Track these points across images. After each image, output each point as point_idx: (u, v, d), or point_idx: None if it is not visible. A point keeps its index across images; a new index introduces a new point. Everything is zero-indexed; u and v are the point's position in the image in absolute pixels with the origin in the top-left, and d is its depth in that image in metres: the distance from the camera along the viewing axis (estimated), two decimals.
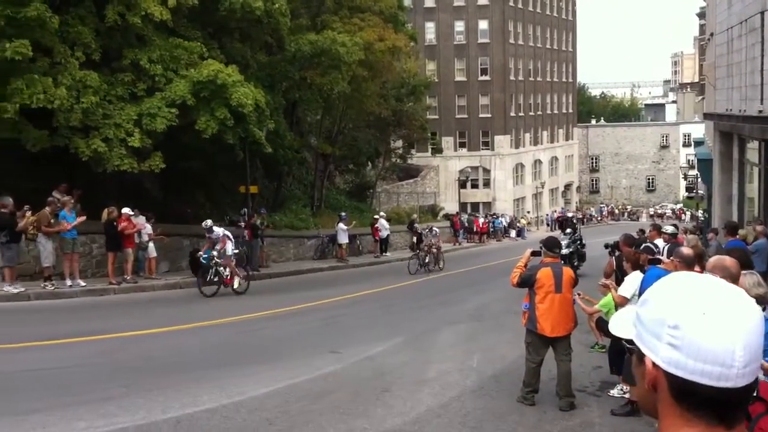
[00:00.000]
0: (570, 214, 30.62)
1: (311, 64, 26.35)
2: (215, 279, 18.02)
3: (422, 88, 44.99)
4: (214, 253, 17.84)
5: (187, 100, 18.85)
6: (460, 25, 63.59)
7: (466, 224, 45.89)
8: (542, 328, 8.38)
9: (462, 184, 57.46)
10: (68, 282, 16.62)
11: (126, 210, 18.13)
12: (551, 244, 8.88)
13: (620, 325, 1.51)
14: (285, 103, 28.29)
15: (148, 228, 19.38)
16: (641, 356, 1.38)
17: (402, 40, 33.20)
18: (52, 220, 16.54)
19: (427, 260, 26.03)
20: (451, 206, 54.17)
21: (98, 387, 8.75)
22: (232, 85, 19.21)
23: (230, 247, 18.26)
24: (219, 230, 18.30)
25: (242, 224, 23.61)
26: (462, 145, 63.53)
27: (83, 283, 16.96)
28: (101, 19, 18.53)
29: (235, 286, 18.26)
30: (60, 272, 16.79)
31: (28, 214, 16.00)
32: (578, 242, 23.21)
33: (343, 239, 28.84)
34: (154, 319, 14.36)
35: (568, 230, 24.20)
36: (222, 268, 17.98)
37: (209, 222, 18.25)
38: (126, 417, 7.45)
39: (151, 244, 19.50)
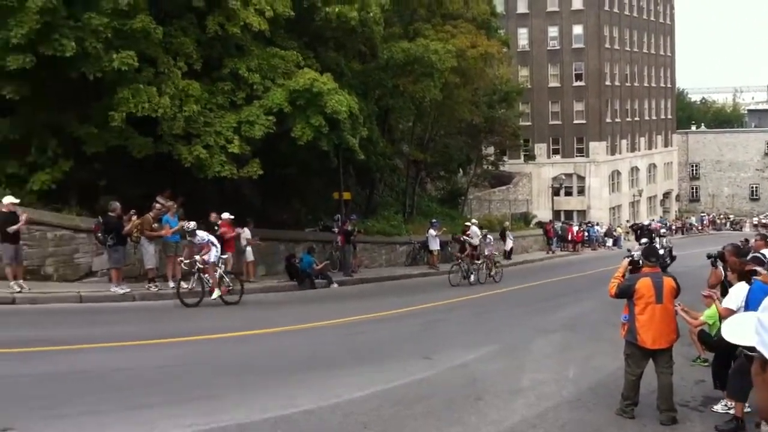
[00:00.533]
0: (647, 222, 29.27)
1: (404, 72, 26.49)
2: (196, 288, 16.14)
3: (515, 95, 44.52)
4: (197, 258, 16.08)
5: (283, 107, 19.27)
6: (553, 31, 62.64)
7: (560, 232, 45.05)
8: (643, 339, 8.13)
9: (555, 192, 56.45)
10: (170, 284, 17.26)
11: (225, 215, 18.71)
12: (649, 253, 8.63)
13: (737, 333, 1.46)
14: (378, 110, 28.52)
15: (246, 233, 19.92)
16: (765, 363, 1.33)
17: (494, 46, 32.96)
18: (155, 225, 17.25)
19: (470, 271, 24.04)
20: (544, 214, 53.33)
21: (200, 386, 9.02)
22: (327, 92, 19.52)
23: (214, 254, 16.28)
24: (203, 235, 16.41)
25: (335, 230, 23.94)
26: (555, 151, 62.49)
27: (185, 285, 17.54)
28: (202, 30, 19.16)
29: (213, 296, 16.10)
30: (163, 274, 17.47)
31: (134, 218, 16.72)
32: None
33: (435, 246, 28.83)
34: (252, 321, 14.72)
35: (644, 240, 22.57)
36: (208, 276, 16.17)
37: (192, 224, 16.43)
38: (227, 416, 7.66)
39: (249, 249, 20.03)
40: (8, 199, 14.76)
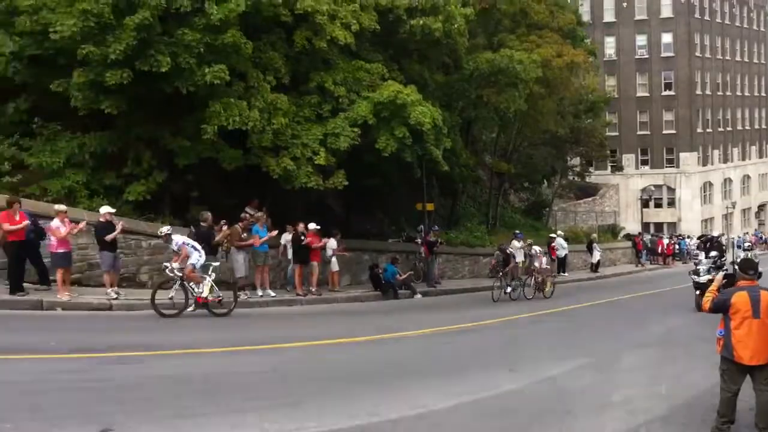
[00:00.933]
0: (716, 234, 27.86)
1: (488, 83, 26.35)
2: (177, 298, 14.72)
3: (601, 104, 43.64)
4: (175, 265, 14.69)
5: (368, 119, 19.48)
6: (641, 39, 61.19)
7: (649, 245, 43.77)
8: (739, 355, 7.82)
9: (644, 203, 54.91)
10: (259, 292, 17.71)
11: (312, 225, 19.03)
12: (746, 267, 8.29)
13: None
14: (461, 121, 28.47)
15: (332, 243, 20.20)
16: None
17: (581, 55, 32.40)
18: (244, 235, 17.71)
19: (512, 286, 22.11)
20: (632, 226, 52.00)
21: (288, 392, 9.17)
22: (411, 104, 19.63)
23: (194, 258, 14.85)
24: (178, 239, 15.00)
25: (419, 240, 23.97)
26: (644, 162, 60.90)
27: (273, 294, 17.99)
28: (290, 45, 19.61)
29: (190, 309, 14.83)
30: (252, 283, 17.89)
31: (224, 228, 17.20)
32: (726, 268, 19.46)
33: (519, 258, 28.42)
34: (336, 330, 14.88)
35: (713, 253, 20.77)
36: (193, 284, 14.85)
37: (165, 228, 15.20)
38: (315, 422, 7.76)
39: (334, 259, 20.30)
40: (105, 209, 15.43)
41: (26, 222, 14.24)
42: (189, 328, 13.92)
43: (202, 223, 16.81)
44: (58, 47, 16.58)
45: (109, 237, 15.11)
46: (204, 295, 14.85)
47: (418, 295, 21.83)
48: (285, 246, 19.33)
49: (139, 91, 17.11)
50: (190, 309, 14.78)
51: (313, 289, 19.13)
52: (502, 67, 25.24)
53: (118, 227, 15.32)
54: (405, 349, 13.27)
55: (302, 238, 18.86)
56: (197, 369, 10.22)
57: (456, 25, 22.73)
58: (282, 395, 8.99)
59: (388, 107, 19.55)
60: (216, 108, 17.52)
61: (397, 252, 24.07)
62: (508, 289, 21.87)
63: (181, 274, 14.64)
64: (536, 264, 23.34)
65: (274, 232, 18.36)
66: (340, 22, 19.46)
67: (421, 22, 21.76)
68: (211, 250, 16.70)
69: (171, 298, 14.64)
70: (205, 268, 15.09)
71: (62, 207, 14.92)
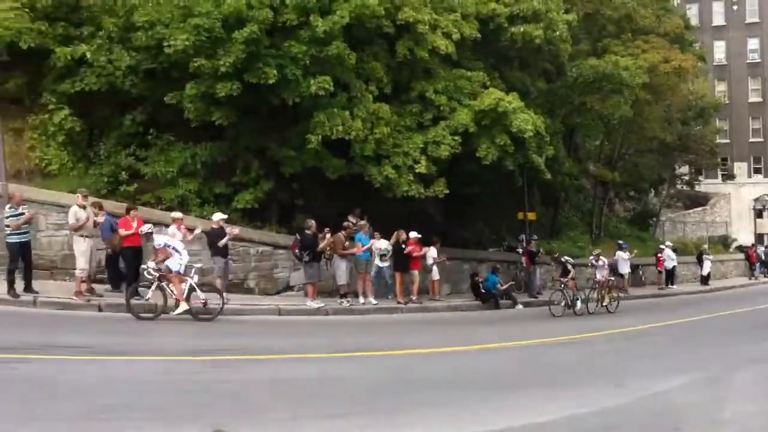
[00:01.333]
0: None
1: (591, 89, 25.85)
2: (153, 300, 14.08)
3: (711, 111, 41.88)
4: (151, 264, 14.11)
5: (469, 128, 19.46)
6: (753, 43, 58.58)
7: (763, 258, 41.68)
8: None
9: (758, 214, 52.48)
10: (361, 300, 17.96)
11: (413, 234, 19.14)
12: None
13: None
14: (563, 129, 28.02)
15: (432, 252, 20.23)
16: None
17: (689, 60, 31.29)
18: (346, 243, 17.99)
19: (575, 299, 20.31)
20: (745, 237, 49.73)
21: (389, 399, 9.20)
22: (512, 112, 19.51)
23: (175, 261, 14.10)
24: (159, 239, 14.41)
25: (520, 250, 23.69)
26: (757, 171, 58.08)
27: (374, 301, 18.17)
28: (392, 55, 19.85)
29: (177, 311, 13.94)
30: (354, 290, 18.14)
31: (328, 236, 17.54)
32: None
33: (624, 269, 27.71)
34: (437, 339, 14.88)
35: None
36: (169, 285, 14.03)
37: (146, 227, 15.05)
38: (421, 430, 7.80)
39: (435, 268, 20.32)
40: (218, 216, 16.11)
41: (142, 228, 15.03)
42: (298, 334, 14.25)
43: (306, 231, 17.22)
44: (172, 61, 17.38)
45: (221, 242, 15.75)
46: (179, 295, 14.00)
47: (520, 306, 21.54)
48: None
49: (247, 103, 17.71)
50: (175, 312, 13.93)
51: (414, 298, 19.21)
52: (607, 73, 24.75)
53: (232, 232, 15.92)
54: (507, 359, 13.11)
55: (403, 246, 19.01)
56: (301, 374, 10.44)
57: (558, 32, 22.49)
58: (383, 401, 9.04)
59: (489, 115, 19.49)
60: (320, 118, 17.91)
61: (497, 261, 23.87)
62: (578, 305, 20.13)
63: (157, 275, 13.98)
64: (599, 275, 21.79)
65: (375, 241, 18.57)
66: (441, 32, 19.60)
67: (522, 29, 21.63)
68: (315, 257, 17.10)
69: (147, 300, 14.03)
70: (187, 269, 14.30)
71: (178, 214, 15.68)
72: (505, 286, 21.52)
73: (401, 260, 19.13)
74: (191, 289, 14.13)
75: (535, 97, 24.66)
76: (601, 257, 22.68)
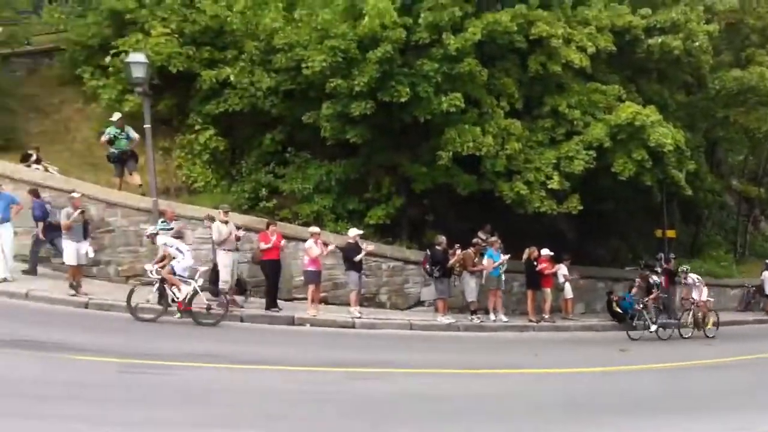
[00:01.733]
0: None
1: (735, 102, 24.61)
2: (153, 301, 14.01)
3: None
4: (150, 266, 14.11)
5: (603, 142, 18.96)
6: None
7: None
8: None
9: None
10: (492, 316, 17.86)
11: (545, 251, 18.87)
12: None
13: None
14: (705, 143, 26.78)
15: (563, 269, 19.83)
16: None
17: None
18: (476, 259, 17.96)
19: (654, 321, 18.68)
20: None
21: (525, 419, 9.16)
22: (650, 125, 18.84)
23: (178, 263, 13.97)
24: (161, 239, 14.38)
25: (659, 269, 22.76)
26: None
27: (505, 318, 18.02)
28: (524, 70, 19.67)
29: (177, 315, 13.98)
30: (484, 307, 18.05)
31: (458, 252, 17.57)
32: None
33: None
34: (571, 358, 14.58)
35: None
36: (174, 288, 13.88)
37: (151, 228, 14.90)
38: None
39: (567, 285, 19.91)
40: (354, 232, 16.63)
41: (282, 242, 15.72)
42: (430, 349, 14.42)
43: (437, 247, 17.34)
44: (309, 81, 17.99)
45: (357, 257, 16.19)
46: (180, 298, 13.86)
47: (653, 327, 20.52)
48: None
49: (380, 121, 18.05)
50: (176, 316, 13.93)
51: (546, 316, 18.90)
52: (752, 84, 23.51)
53: (367, 248, 16.32)
54: (642, 382, 12.68)
55: (534, 263, 18.76)
56: (433, 389, 10.58)
57: (698, 43, 21.54)
58: (521, 420, 9.01)
59: (626, 129, 18.91)
60: (451, 134, 18.00)
61: (635, 281, 22.96)
62: (653, 327, 18.38)
63: (158, 276, 13.88)
64: (695, 296, 19.30)
65: (507, 257, 18.41)
66: (576, 46, 19.24)
67: (660, 40, 20.92)
68: (445, 273, 17.17)
69: (148, 301, 13.91)
70: (192, 272, 14.15)
71: (316, 229, 16.32)
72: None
73: (533, 277, 18.88)
74: (194, 293, 13.95)
75: (674, 110, 23.67)
76: (691, 275, 19.79)
